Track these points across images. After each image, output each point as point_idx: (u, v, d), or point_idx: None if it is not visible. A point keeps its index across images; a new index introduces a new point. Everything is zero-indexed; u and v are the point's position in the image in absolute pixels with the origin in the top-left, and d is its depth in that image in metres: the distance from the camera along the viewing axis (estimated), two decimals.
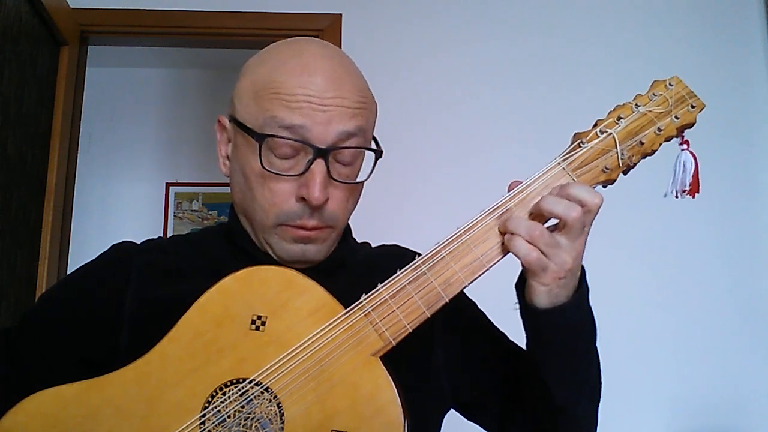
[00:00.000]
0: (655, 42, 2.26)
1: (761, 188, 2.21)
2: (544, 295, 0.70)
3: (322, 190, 0.73)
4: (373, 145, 0.81)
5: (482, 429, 0.89)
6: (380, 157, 0.80)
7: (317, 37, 2.22)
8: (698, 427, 2.06)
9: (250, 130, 0.75)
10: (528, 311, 0.73)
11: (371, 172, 0.80)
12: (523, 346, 0.80)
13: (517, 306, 0.75)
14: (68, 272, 1.07)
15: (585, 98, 1.87)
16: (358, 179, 0.80)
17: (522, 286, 0.74)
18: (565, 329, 0.72)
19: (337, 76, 0.75)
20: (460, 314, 0.82)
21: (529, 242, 0.68)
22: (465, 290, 0.73)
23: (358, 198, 0.83)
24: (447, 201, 2.01)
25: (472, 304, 0.91)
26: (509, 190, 0.72)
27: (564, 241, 0.69)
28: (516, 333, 0.89)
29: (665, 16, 2.30)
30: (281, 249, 0.78)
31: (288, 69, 0.75)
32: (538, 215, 0.71)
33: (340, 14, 2.29)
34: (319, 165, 0.73)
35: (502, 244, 0.71)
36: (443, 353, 0.83)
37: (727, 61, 2.27)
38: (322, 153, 0.73)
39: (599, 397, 0.81)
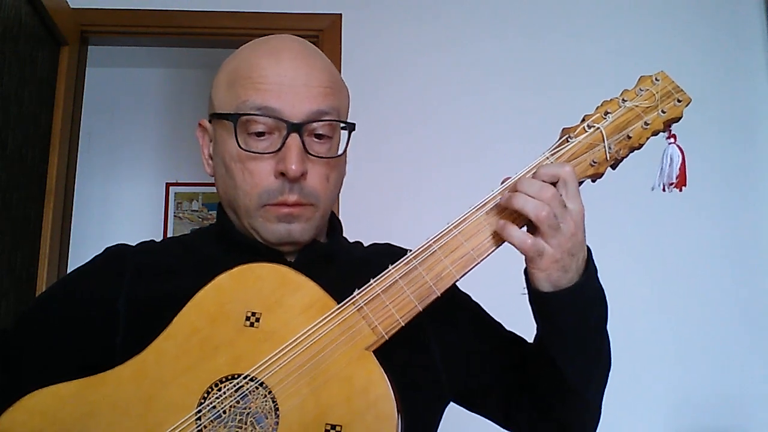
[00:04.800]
0: (655, 41, 2.26)
1: (761, 187, 2.20)
2: (544, 281, 0.71)
3: (299, 162, 0.75)
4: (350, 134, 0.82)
5: (484, 420, 0.89)
6: (353, 130, 0.82)
7: (317, 37, 2.25)
8: (698, 427, 2.05)
9: (225, 114, 0.78)
10: (533, 296, 0.74)
11: (347, 146, 0.82)
12: (523, 334, 0.80)
13: (525, 291, 0.76)
14: (68, 272, 1.08)
15: (585, 97, 1.86)
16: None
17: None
18: (573, 311, 0.73)
19: (306, 55, 0.79)
20: (454, 307, 0.83)
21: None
22: (459, 282, 0.74)
23: (340, 179, 0.85)
24: (447, 200, 2.01)
25: (466, 297, 0.92)
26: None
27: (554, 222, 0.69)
28: (515, 323, 0.90)
29: (666, 16, 2.30)
30: (266, 231, 0.79)
31: (257, 55, 0.79)
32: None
33: (340, 14, 2.29)
34: (294, 139, 0.75)
35: (493, 237, 0.72)
36: (439, 347, 0.84)
37: (727, 60, 2.26)
38: (296, 128, 0.75)
39: (608, 375, 0.81)
